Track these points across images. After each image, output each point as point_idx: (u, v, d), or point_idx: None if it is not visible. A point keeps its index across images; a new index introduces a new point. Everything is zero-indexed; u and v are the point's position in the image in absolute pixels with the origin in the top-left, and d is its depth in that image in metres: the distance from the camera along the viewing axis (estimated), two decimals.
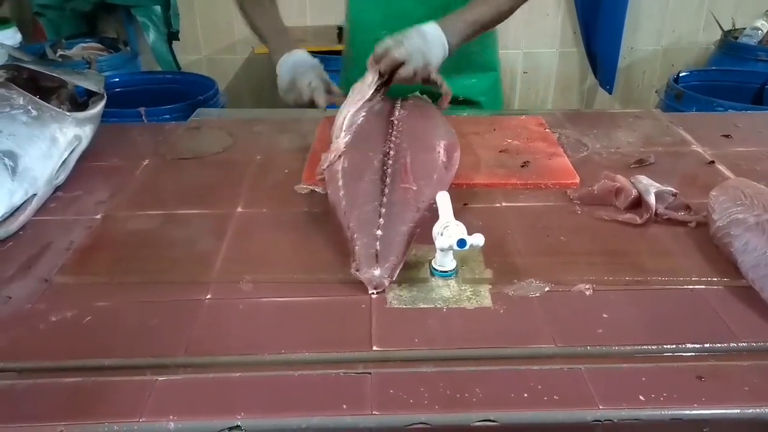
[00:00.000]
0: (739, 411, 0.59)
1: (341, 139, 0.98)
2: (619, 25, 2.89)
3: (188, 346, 0.66)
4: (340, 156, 0.94)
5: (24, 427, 0.57)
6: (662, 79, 2.55)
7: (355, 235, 0.79)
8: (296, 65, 1.20)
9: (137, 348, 0.67)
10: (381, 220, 0.80)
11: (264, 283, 0.76)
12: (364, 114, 1.06)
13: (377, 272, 0.74)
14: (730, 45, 2.73)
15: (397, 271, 0.75)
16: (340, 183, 0.88)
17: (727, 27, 2.81)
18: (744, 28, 2.79)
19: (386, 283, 0.74)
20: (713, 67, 2.69)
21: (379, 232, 0.78)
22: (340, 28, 2.61)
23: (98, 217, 0.93)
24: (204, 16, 2.97)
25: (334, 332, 0.69)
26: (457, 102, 1.34)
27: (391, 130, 1.00)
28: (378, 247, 0.76)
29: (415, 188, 0.86)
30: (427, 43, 1.09)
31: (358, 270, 0.75)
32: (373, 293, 0.74)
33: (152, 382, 0.62)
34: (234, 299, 0.74)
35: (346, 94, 1.12)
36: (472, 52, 1.35)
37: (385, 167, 0.89)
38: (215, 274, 0.78)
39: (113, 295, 0.75)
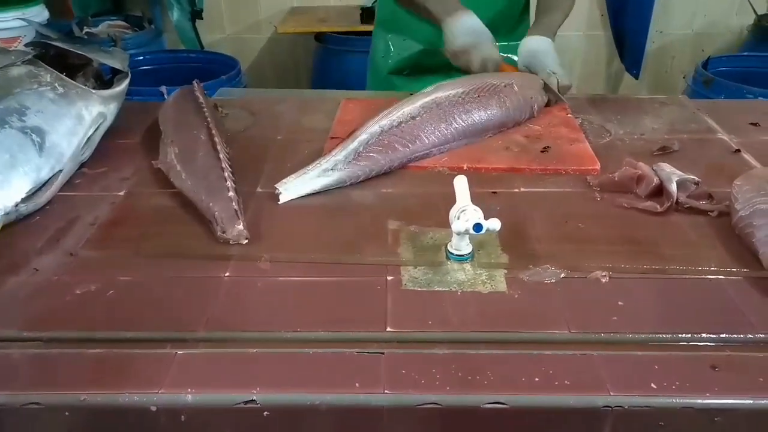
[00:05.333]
0: (752, 401, 0.59)
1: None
2: (648, 7, 2.82)
3: (207, 322, 0.68)
4: (169, 147, 0.99)
5: (48, 394, 0.60)
6: (692, 64, 2.48)
7: (210, 204, 0.84)
8: (472, 33, 1.23)
9: (158, 322, 0.68)
10: (228, 183, 0.87)
11: (282, 263, 0.78)
12: None
13: (240, 226, 0.81)
14: (764, 30, 2.66)
15: None
16: (179, 168, 0.93)
17: (761, 11, 2.73)
18: None
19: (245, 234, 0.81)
20: (745, 53, 2.62)
21: (231, 194, 0.85)
22: (363, 9, 2.60)
23: (122, 193, 0.95)
24: None
25: (350, 312, 0.70)
26: None
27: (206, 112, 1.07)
28: (236, 207, 0.83)
29: None
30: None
31: (224, 232, 0.80)
32: (243, 242, 0.80)
33: (172, 356, 0.63)
34: (252, 277, 0.75)
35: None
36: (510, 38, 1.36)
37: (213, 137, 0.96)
38: (234, 252, 0.80)
39: (136, 270, 0.77)
